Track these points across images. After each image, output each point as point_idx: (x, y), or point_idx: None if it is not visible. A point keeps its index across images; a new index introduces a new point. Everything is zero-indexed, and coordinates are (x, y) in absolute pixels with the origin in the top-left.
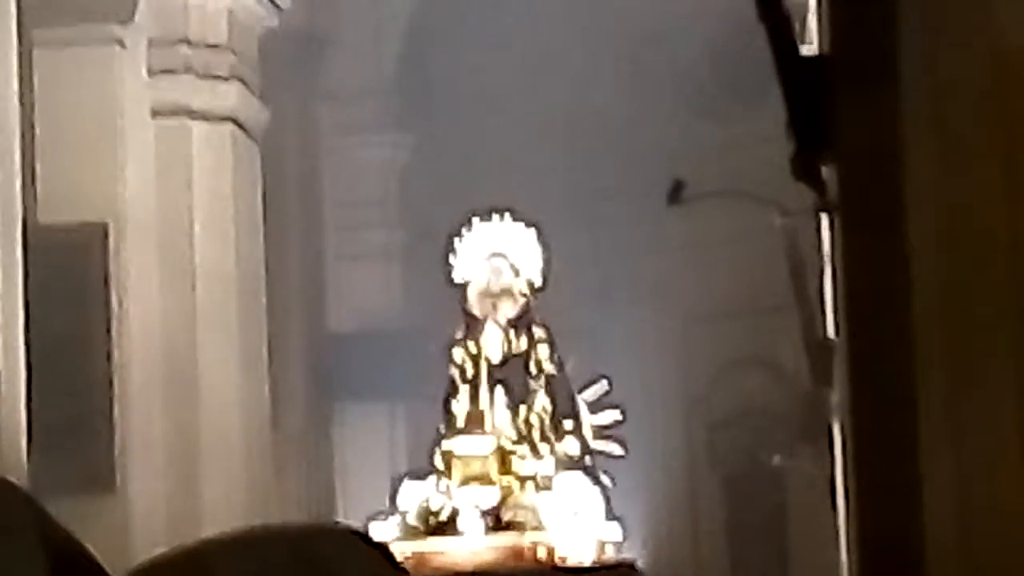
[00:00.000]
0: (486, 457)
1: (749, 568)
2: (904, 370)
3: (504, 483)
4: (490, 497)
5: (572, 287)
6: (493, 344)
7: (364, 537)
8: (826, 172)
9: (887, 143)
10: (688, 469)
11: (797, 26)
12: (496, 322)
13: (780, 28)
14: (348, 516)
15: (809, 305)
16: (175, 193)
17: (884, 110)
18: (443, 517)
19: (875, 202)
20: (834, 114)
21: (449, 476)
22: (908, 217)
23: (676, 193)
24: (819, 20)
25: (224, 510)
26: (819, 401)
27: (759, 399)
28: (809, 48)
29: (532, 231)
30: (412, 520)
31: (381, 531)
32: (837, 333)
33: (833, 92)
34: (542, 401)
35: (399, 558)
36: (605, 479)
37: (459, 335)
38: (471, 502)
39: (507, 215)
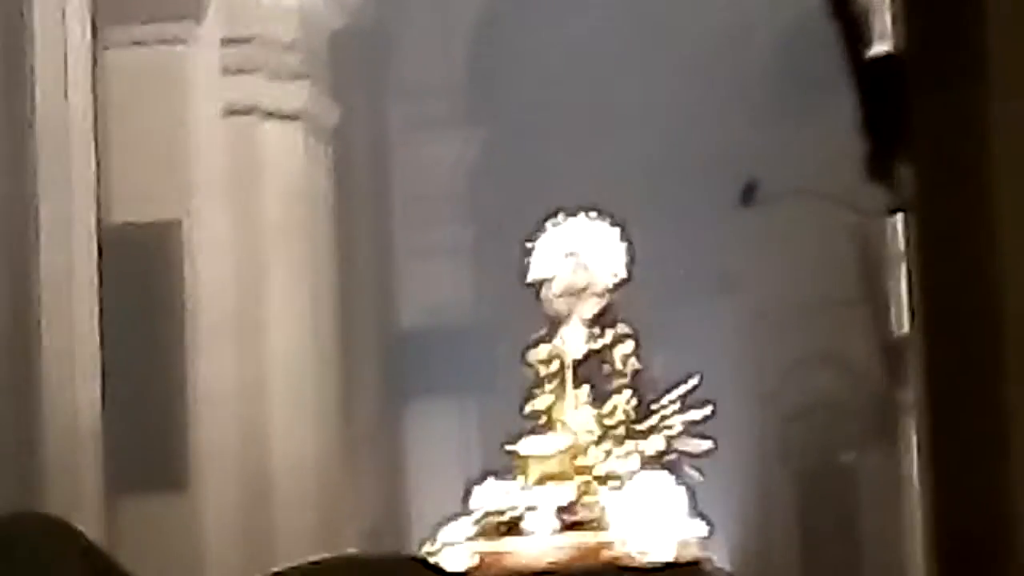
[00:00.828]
0: (562, 455)
1: (821, 564)
2: (981, 370)
3: (580, 482)
4: (565, 496)
5: (642, 283)
6: (575, 341)
7: (427, 564)
8: (900, 172)
9: (968, 143)
10: (760, 465)
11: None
12: (578, 320)
13: (851, 28)
14: (419, 514)
15: (881, 304)
16: (246, 191)
17: (966, 110)
18: (518, 515)
19: (954, 203)
20: (909, 114)
21: (524, 475)
22: (988, 219)
23: (749, 194)
24: (893, 19)
25: (295, 508)
26: (891, 399)
27: (830, 395)
28: (877, 47)
29: (615, 229)
30: (486, 520)
31: (455, 531)
32: (910, 331)
33: (909, 91)
34: (625, 398)
35: (473, 557)
36: (695, 475)
37: (540, 334)
38: (545, 501)
39: (590, 213)
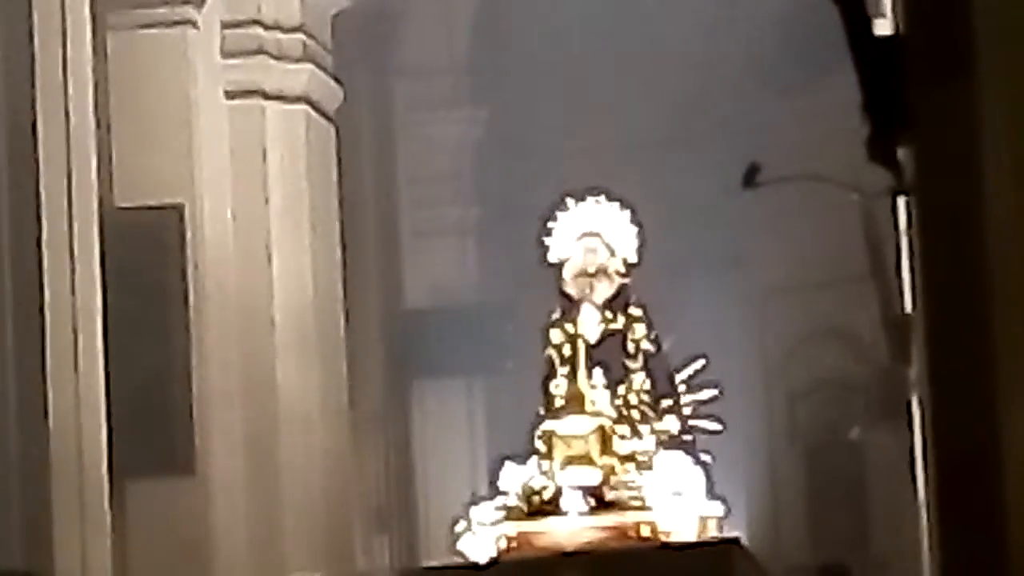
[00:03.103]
0: (587, 437)
1: (829, 540)
2: (982, 346)
3: (605, 463)
4: (592, 477)
5: (647, 261)
6: (590, 324)
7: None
8: (902, 153)
9: (966, 127)
10: (767, 442)
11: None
12: (592, 302)
13: (854, 9)
14: (426, 494)
15: (887, 281)
16: (250, 174)
17: (962, 94)
18: (546, 497)
19: (953, 184)
20: (911, 96)
21: (550, 457)
22: (986, 199)
23: (751, 176)
24: (895, 1)
25: (302, 491)
26: (897, 376)
27: (836, 371)
28: (881, 23)
29: (626, 212)
30: (514, 502)
31: (482, 514)
32: (915, 309)
33: (910, 75)
34: (640, 380)
35: (502, 540)
36: (705, 456)
37: (555, 315)
38: (573, 482)
39: (602, 196)
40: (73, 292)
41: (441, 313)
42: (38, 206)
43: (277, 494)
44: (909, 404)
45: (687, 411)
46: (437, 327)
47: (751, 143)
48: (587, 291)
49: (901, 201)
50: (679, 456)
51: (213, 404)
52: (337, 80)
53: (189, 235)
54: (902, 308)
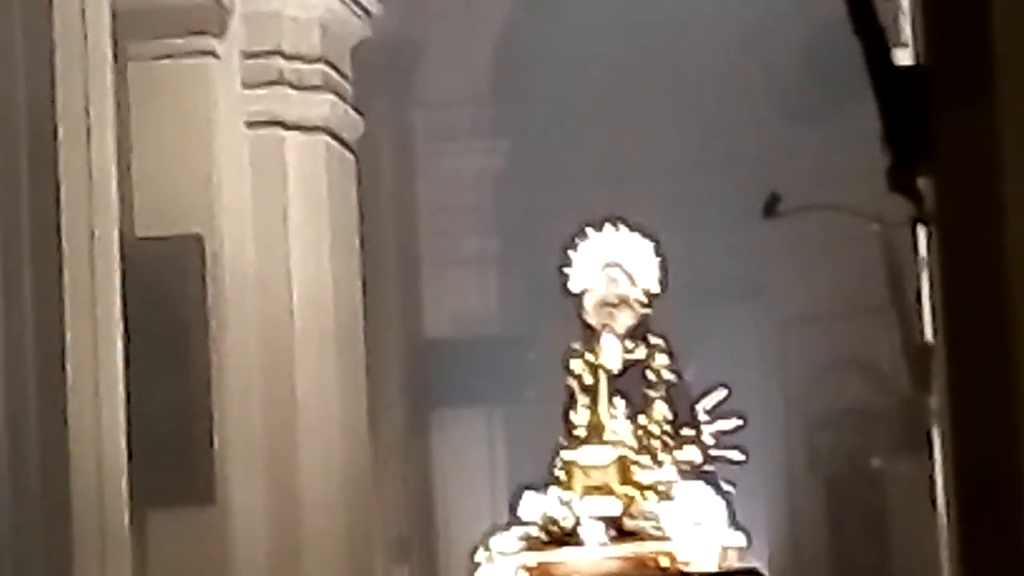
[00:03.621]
0: (607, 467)
1: (850, 570)
2: (1002, 375)
3: (625, 493)
4: (612, 507)
5: (669, 291)
6: (611, 354)
7: None
8: (923, 183)
9: (985, 156)
10: (788, 472)
11: (889, 22)
12: (613, 332)
13: (874, 40)
14: (447, 523)
15: (907, 311)
16: (270, 204)
17: (982, 124)
18: (566, 527)
19: (974, 214)
20: (931, 126)
21: (571, 487)
22: (1006, 229)
23: (772, 206)
24: (914, 30)
25: (323, 520)
26: (918, 406)
27: (857, 401)
28: (902, 51)
29: (649, 242)
30: (534, 531)
31: (505, 542)
32: (935, 338)
33: (930, 104)
34: (661, 410)
35: (521, 571)
36: (727, 486)
37: (576, 345)
38: (593, 512)
39: (623, 226)
40: (94, 321)
41: (461, 342)
42: (59, 235)
43: (298, 524)
44: (930, 434)
45: (709, 441)
46: (457, 356)
47: (772, 172)
48: (608, 321)
49: (921, 230)
50: (700, 486)
51: (234, 433)
52: (358, 110)
53: (209, 265)
54: (923, 337)
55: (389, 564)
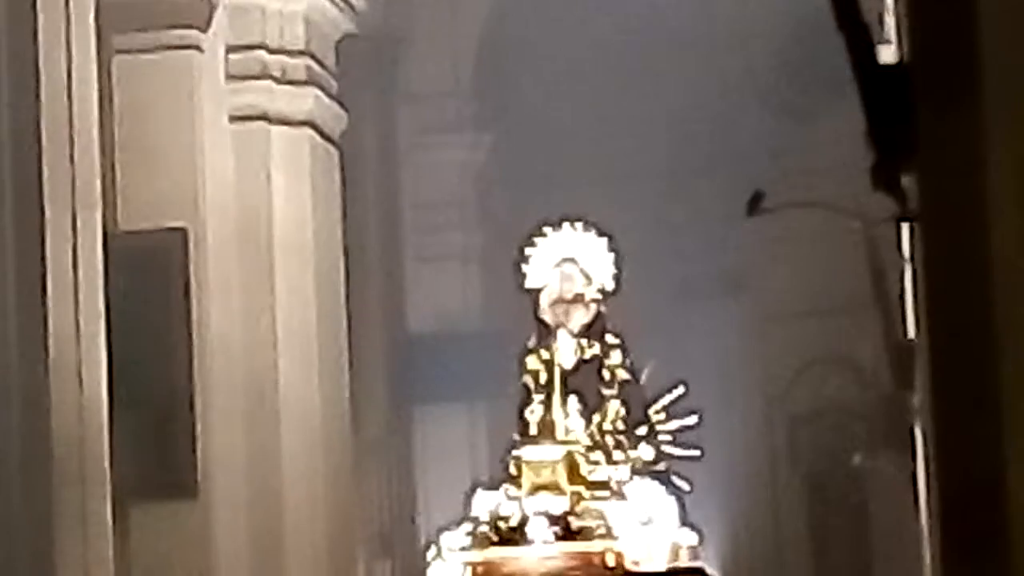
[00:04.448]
0: (555, 464)
1: (832, 567)
2: (986, 374)
3: (574, 491)
4: (559, 505)
5: (651, 287)
6: (566, 351)
7: None
8: (907, 181)
9: (970, 154)
10: (769, 468)
11: (874, 20)
12: (568, 329)
13: (858, 37)
14: (430, 518)
15: (890, 308)
16: (254, 198)
17: (966, 122)
18: (512, 525)
19: (957, 212)
20: (915, 124)
21: (519, 484)
22: (990, 226)
23: (755, 203)
24: (898, 27)
25: (305, 515)
26: (900, 403)
27: (839, 398)
28: (886, 48)
29: (604, 239)
30: (484, 529)
31: (452, 540)
32: (917, 336)
33: (914, 102)
34: (615, 408)
35: (468, 568)
36: (682, 483)
37: (531, 343)
38: (539, 510)
39: (579, 223)
40: (77, 314)
41: (444, 338)
42: (43, 229)
43: (280, 518)
44: (912, 431)
45: (664, 438)
46: (440, 352)
47: (755, 169)
48: (563, 319)
49: (905, 228)
50: (651, 484)
51: (216, 427)
52: (341, 104)
53: (193, 258)
54: (905, 335)
55: (371, 559)
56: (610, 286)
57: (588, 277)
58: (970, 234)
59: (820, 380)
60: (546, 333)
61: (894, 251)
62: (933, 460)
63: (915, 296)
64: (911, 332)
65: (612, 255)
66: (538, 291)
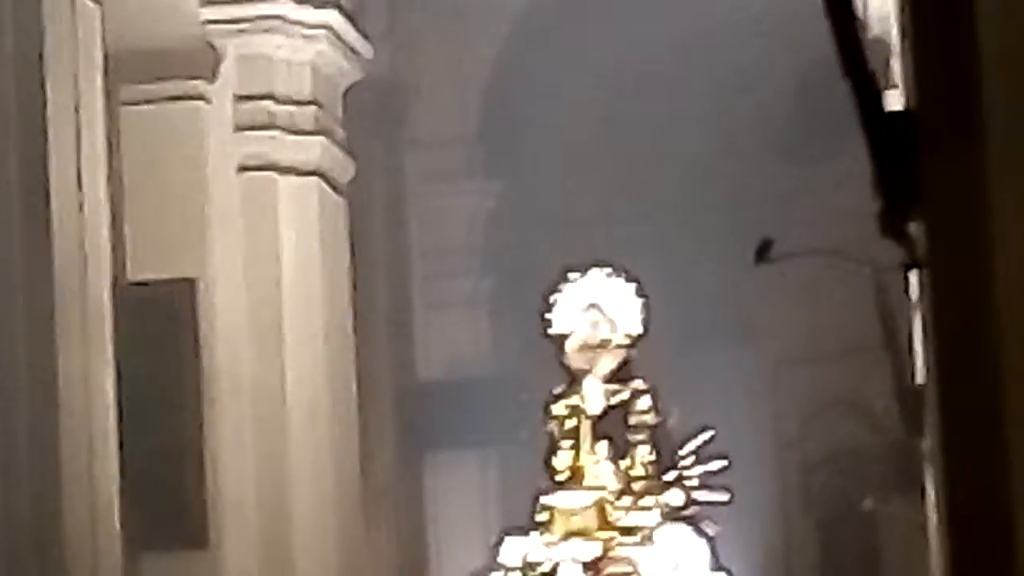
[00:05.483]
0: (587, 511)
1: None
2: (993, 418)
3: (605, 537)
4: (590, 551)
5: (660, 334)
6: (593, 397)
7: None
8: (914, 228)
9: (976, 201)
10: (781, 513)
11: (880, 65)
12: (595, 375)
13: (865, 84)
14: (439, 567)
15: (899, 354)
16: (262, 248)
17: (972, 168)
18: (544, 571)
19: (964, 259)
20: (922, 171)
21: (551, 531)
22: (997, 274)
23: (763, 251)
24: (904, 74)
25: (316, 563)
26: (910, 448)
27: (850, 442)
28: (893, 93)
29: (631, 285)
30: (515, 575)
31: None
32: (926, 381)
33: (920, 148)
34: (644, 453)
35: None
36: (711, 528)
37: (558, 389)
38: (571, 556)
39: (606, 268)
40: (86, 366)
41: (454, 385)
42: (51, 280)
43: (290, 568)
44: (922, 475)
45: (693, 483)
46: (450, 399)
47: (764, 214)
48: (590, 364)
49: (913, 275)
50: (681, 529)
51: (226, 477)
52: (349, 153)
53: (202, 308)
54: (914, 380)
55: None
56: (637, 331)
57: (614, 323)
58: (977, 280)
59: (831, 425)
60: (572, 379)
61: (903, 297)
62: (942, 503)
63: (923, 341)
64: (920, 378)
65: (640, 300)
66: (563, 337)
